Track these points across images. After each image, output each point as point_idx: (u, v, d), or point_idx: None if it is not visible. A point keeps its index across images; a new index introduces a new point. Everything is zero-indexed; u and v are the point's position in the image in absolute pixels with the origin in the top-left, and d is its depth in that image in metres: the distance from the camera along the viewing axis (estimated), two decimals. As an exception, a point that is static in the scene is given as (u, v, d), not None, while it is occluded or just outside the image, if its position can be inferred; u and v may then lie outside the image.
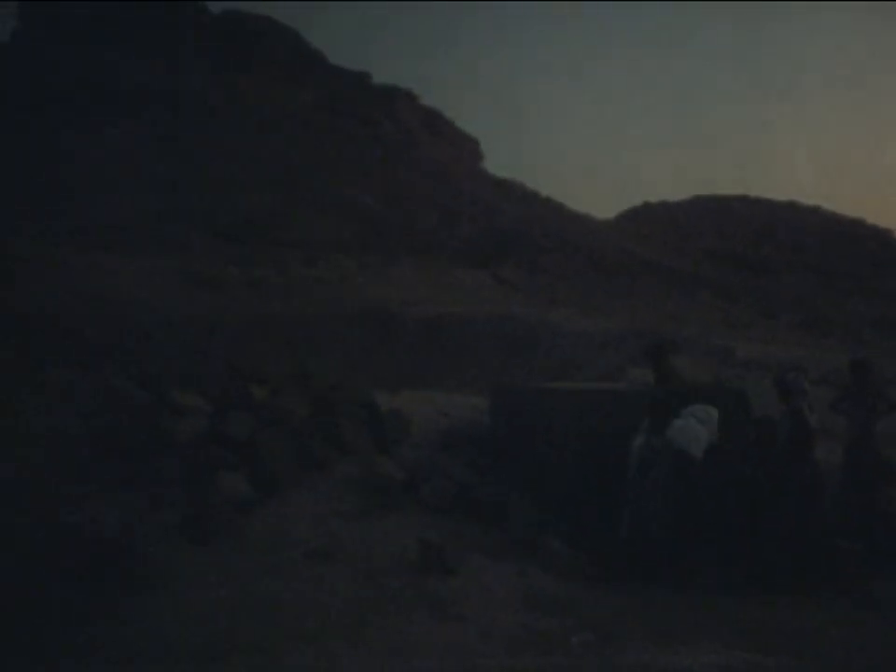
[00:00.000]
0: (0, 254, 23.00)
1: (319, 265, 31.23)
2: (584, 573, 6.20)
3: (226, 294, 25.08)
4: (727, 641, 4.85)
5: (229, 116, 44.84)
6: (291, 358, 15.17)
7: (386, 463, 7.47)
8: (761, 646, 4.81)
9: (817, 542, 6.64)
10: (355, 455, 7.56)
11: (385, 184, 43.49)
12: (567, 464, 7.30)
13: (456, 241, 39.42)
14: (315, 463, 7.25)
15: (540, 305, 26.79)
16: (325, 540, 5.90)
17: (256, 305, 23.71)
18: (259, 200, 37.84)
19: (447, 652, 4.49)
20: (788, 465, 6.72)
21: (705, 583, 6.20)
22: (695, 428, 6.51)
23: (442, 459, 8.00)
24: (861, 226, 54.83)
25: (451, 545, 5.82)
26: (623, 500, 6.54)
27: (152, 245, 30.30)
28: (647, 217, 56.22)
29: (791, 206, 57.51)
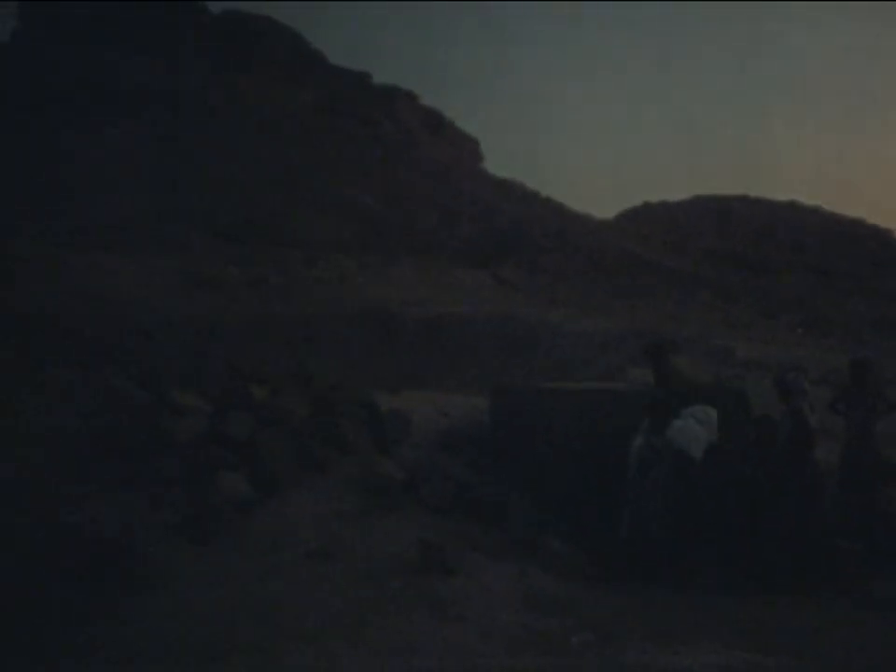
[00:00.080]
0: (0, 254, 23.00)
1: (319, 265, 31.23)
2: (584, 573, 6.20)
3: (226, 294, 25.09)
4: (727, 641, 4.85)
5: (229, 116, 44.83)
6: (291, 358, 15.18)
7: (386, 463, 7.47)
8: (761, 646, 4.80)
9: (817, 542, 6.64)
10: (355, 455, 7.56)
11: (385, 184, 43.50)
12: (567, 464, 7.30)
13: (456, 241, 39.43)
14: (315, 463, 7.25)
15: (540, 305, 26.78)
16: (325, 540, 5.89)
17: (256, 305, 23.72)
18: (259, 200, 37.84)
19: (447, 652, 4.48)
20: (788, 465, 6.73)
21: (705, 583, 6.20)
22: (695, 429, 6.52)
23: (442, 459, 8.01)
24: (860, 226, 54.80)
25: (451, 545, 5.82)
26: (623, 500, 6.54)
27: (152, 245, 30.30)
28: (647, 217, 56.19)
29: (791, 206, 57.46)
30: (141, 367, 9.19)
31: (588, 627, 4.96)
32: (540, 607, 5.29)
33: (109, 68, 45.37)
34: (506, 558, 6.12)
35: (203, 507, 5.94)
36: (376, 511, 6.60)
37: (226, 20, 52.93)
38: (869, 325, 29.64)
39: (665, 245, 46.79)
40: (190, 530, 5.69)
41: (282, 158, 42.05)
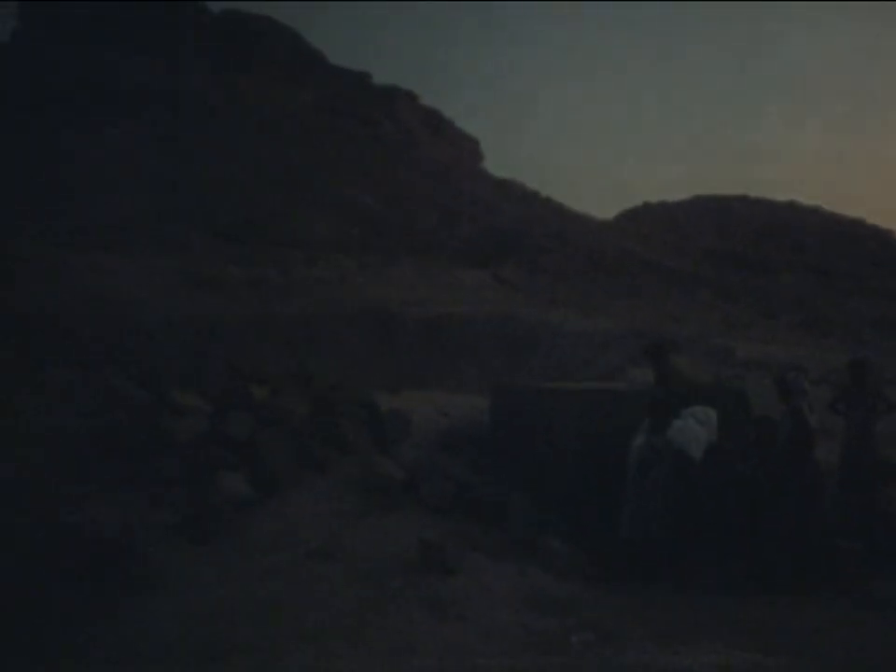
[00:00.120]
0: (0, 254, 23.00)
1: (319, 265, 31.22)
2: (584, 573, 6.20)
3: (226, 294, 25.07)
4: (727, 641, 4.85)
5: (229, 116, 44.83)
6: (291, 358, 15.17)
7: (386, 463, 7.47)
8: (761, 646, 4.80)
9: (817, 542, 6.64)
10: (355, 455, 7.56)
11: (385, 184, 43.49)
12: (567, 464, 7.30)
13: (456, 241, 39.42)
14: (315, 463, 7.25)
15: (540, 305, 26.77)
16: (325, 540, 5.90)
17: (256, 305, 23.71)
18: (259, 200, 37.83)
19: (447, 652, 4.49)
20: (788, 465, 6.72)
21: (705, 583, 6.20)
22: (695, 429, 6.52)
23: (442, 459, 8.01)
24: (861, 226, 54.81)
25: (451, 545, 5.82)
26: (623, 500, 6.54)
27: (152, 245, 30.29)
28: (647, 217, 56.20)
29: (791, 206, 57.49)
30: (141, 367, 9.20)
31: (588, 627, 4.96)
32: (540, 607, 5.30)
33: (109, 68, 45.37)
34: (506, 558, 6.12)
35: (203, 507, 5.95)
36: (376, 511, 6.60)
37: (226, 20, 52.95)
38: (869, 325, 29.65)
39: (664, 245, 46.78)
40: (190, 530, 5.70)
41: (282, 158, 42.05)
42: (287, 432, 7.34)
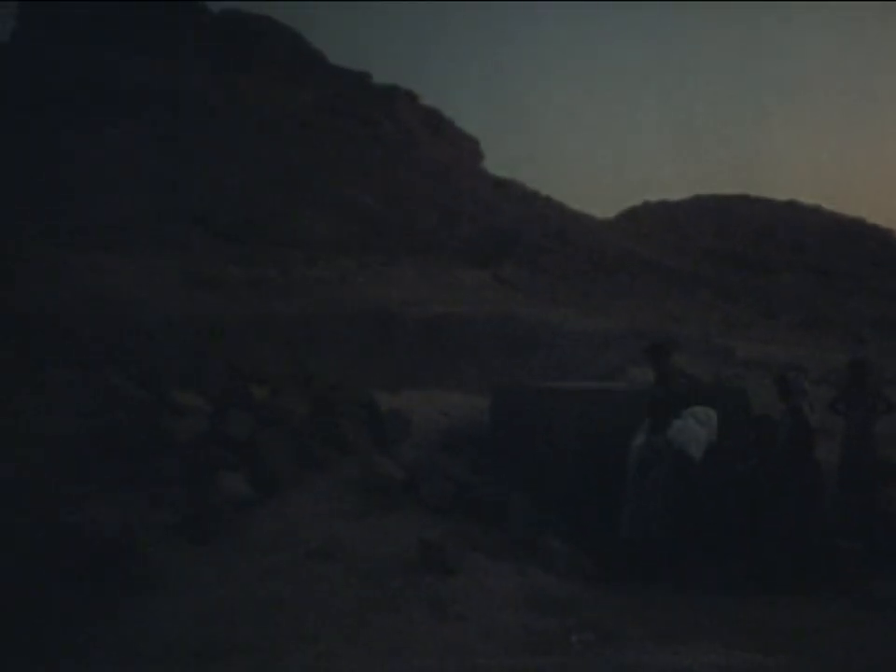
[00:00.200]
0: (0, 254, 22.99)
1: (319, 265, 31.21)
2: (584, 573, 6.20)
3: (226, 294, 25.06)
4: (727, 641, 4.85)
5: (229, 116, 44.82)
6: (291, 358, 15.17)
7: (386, 463, 7.47)
8: (761, 646, 4.81)
9: (817, 542, 6.64)
10: (355, 455, 7.57)
11: (385, 184, 43.48)
12: (567, 464, 7.29)
13: (456, 241, 39.41)
14: (315, 463, 7.25)
15: (540, 305, 26.77)
16: (325, 540, 5.90)
17: (256, 305, 23.69)
18: (259, 200, 37.82)
19: (447, 652, 4.49)
20: (788, 465, 6.73)
21: (705, 583, 6.20)
22: (695, 429, 6.52)
23: (442, 459, 8.01)
24: (861, 226, 54.82)
25: (451, 545, 5.82)
26: (623, 500, 6.54)
27: (152, 245, 30.27)
28: (647, 217, 56.22)
29: (791, 206, 57.50)
30: (141, 367, 9.20)
31: (588, 627, 4.97)
32: (540, 607, 5.30)
33: (109, 68, 45.35)
34: (506, 558, 6.12)
35: (203, 507, 5.95)
36: (376, 511, 6.60)
37: (226, 20, 52.95)
38: (869, 325, 29.65)
39: (664, 245, 46.78)
40: (190, 530, 5.70)
41: (282, 158, 42.03)
42: (287, 432, 7.34)
